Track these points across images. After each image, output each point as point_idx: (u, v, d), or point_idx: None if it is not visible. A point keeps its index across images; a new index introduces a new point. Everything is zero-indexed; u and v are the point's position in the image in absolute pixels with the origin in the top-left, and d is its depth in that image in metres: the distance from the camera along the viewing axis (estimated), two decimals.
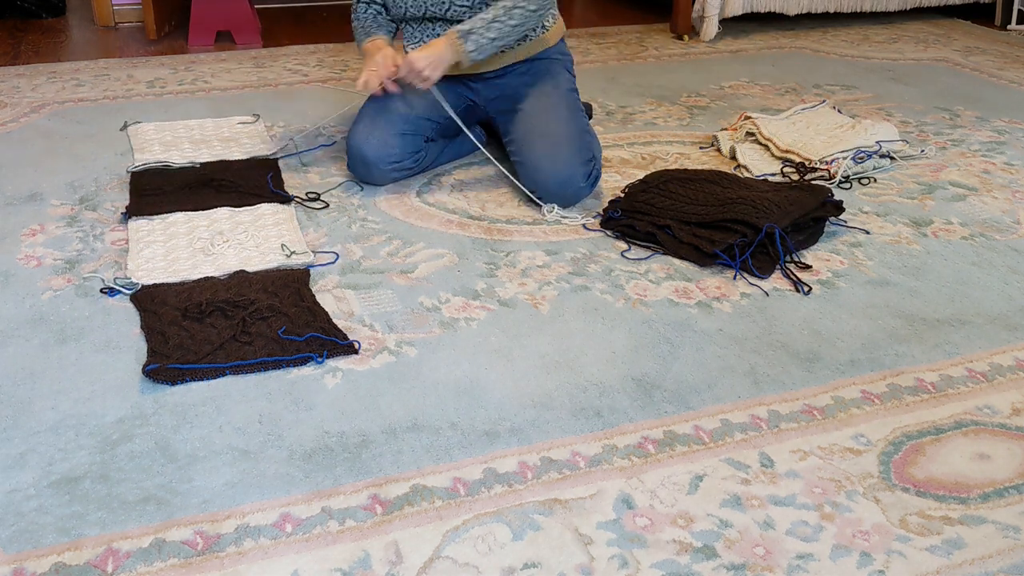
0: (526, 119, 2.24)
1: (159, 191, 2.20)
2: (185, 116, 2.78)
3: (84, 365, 1.57)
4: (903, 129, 2.78)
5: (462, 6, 2.17)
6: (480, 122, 2.51)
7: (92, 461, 1.34)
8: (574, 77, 2.38)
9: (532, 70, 2.30)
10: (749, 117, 2.59)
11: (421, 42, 2.26)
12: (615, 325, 1.73)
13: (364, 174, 2.27)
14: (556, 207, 2.15)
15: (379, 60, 2.16)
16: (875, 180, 2.40)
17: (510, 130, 2.28)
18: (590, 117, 2.63)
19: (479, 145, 2.36)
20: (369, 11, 2.30)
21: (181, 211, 2.10)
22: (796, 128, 2.55)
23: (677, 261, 1.96)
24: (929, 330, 1.74)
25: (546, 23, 2.30)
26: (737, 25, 4.00)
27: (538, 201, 2.17)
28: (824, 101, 2.72)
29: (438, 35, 2.20)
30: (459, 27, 2.12)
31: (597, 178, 2.22)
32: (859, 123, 2.53)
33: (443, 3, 2.18)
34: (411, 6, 2.21)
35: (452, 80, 2.30)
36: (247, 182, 2.26)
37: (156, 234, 2.00)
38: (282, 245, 1.93)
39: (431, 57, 2.11)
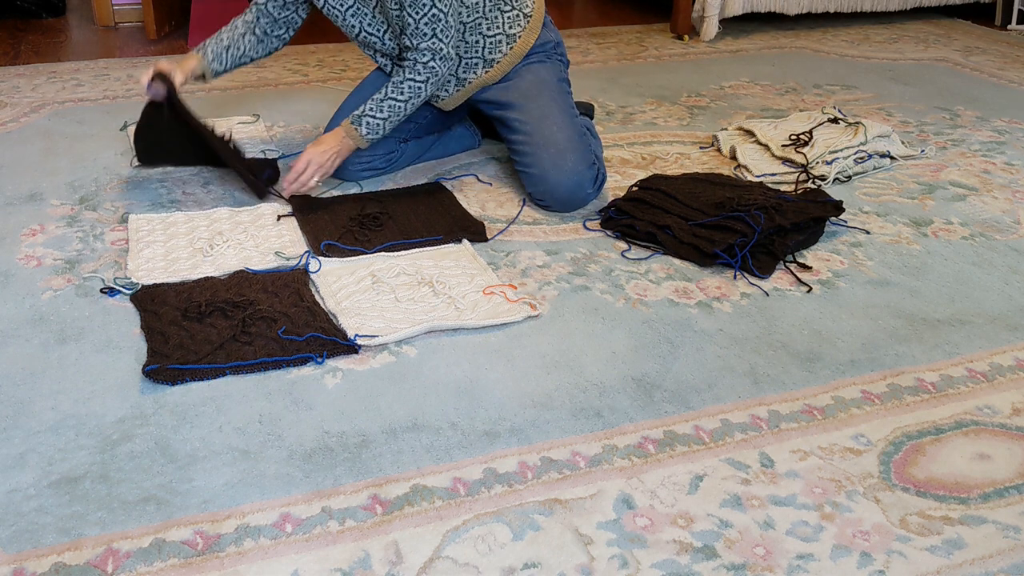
0: (523, 127, 2.19)
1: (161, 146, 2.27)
2: None
3: (84, 365, 1.57)
4: (903, 129, 2.78)
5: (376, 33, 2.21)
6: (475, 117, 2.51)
7: (92, 461, 1.34)
8: (562, 61, 2.32)
9: (514, 76, 2.25)
10: (742, 128, 2.60)
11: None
12: (615, 325, 1.73)
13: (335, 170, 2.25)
14: None
15: (164, 67, 2.16)
16: (875, 180, 2.39)
17: (510, 139, 2.24)
18: (591, 118, 2.62)
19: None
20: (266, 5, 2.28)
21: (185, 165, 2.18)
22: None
23: (677, 261, 1.96)
24: (929, 330, 1.74)
25: (515, 32, 2.22)
26: (737, 25, 4.00)
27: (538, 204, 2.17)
28: (823, 110, 2.70)
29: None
30: (354, 111, 2.16)
31: (603, 181, 2.21)
32: (859, 127, 2.53)
33: (375, 31, 2.21)
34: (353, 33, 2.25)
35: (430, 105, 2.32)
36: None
37: (156, 234, 2.00)
38: (275, 253, 1.92)
39: (324, 153, 2.15)
